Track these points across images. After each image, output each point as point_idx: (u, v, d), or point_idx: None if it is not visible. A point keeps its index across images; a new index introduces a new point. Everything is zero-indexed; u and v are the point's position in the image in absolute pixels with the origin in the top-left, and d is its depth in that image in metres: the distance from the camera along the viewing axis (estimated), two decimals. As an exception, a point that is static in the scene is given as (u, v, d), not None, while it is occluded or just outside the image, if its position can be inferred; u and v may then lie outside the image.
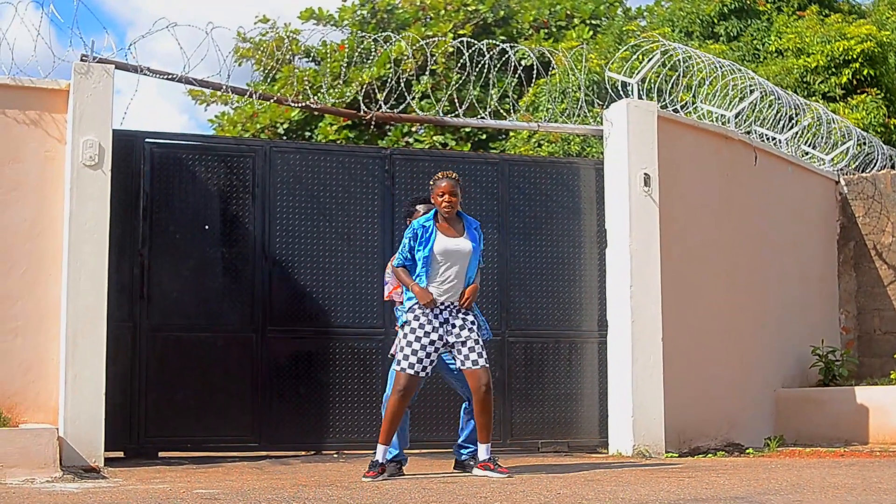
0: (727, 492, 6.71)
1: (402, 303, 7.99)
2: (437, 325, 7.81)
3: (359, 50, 11.78)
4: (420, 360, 7.76)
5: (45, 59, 9.03)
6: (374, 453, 7.88)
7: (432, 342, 7.79)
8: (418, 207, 8.34)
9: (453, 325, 7.83)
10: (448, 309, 7.84)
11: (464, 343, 7.80)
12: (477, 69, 10.73)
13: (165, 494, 6.74)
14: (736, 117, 11.81)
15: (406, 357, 7.78)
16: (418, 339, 7.78)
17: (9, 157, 9.01)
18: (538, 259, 10.61)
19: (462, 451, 8.32)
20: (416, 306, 7.82)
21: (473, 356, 7.77)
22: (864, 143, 14.05)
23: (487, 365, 7.82)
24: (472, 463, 8.12)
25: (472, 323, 7.87)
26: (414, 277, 7.86)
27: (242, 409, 9.75)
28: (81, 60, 9.02)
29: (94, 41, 9.07)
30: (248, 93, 10.37)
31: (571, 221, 10.75)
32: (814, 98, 16.37)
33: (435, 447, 10.15)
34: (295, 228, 9.98)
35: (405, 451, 8.26)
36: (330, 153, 10.53)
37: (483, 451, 7.91)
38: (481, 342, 7.85)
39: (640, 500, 6.25)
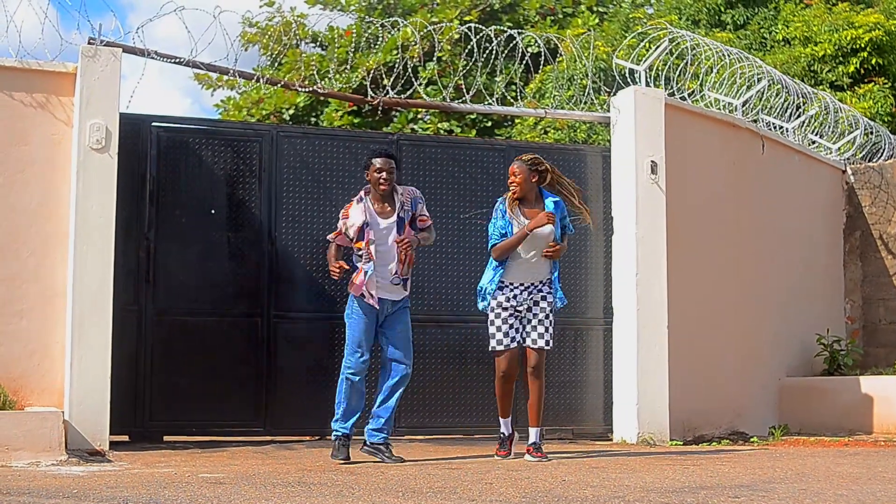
0: (731, 480, 6.71)
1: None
2: (514, 303, 8.20)
3: (365, 35, 11.75)
4: (506, 334, 8.16)
5: (52, 42, 9.07)
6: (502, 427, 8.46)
7: (511, 314, 8.19)
8: (374, 161, 8.14)
9: (531, 302, 8.22)
10: (528, 288, 8.23)
11: (530, 321, 8.21)
12: (484, 56, 10.70)
13: (170, 478, 6.75)
14: (743, 105, 11.78)
15: (493, 336, 8.20)
16: (498, 315, 8.18)
17: (16, 140, 9.00)
18: (544, 246, 10.58)
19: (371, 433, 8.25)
20: (497, 292, 8.22)
21: (534, 335, 8.18)
22: (872, 133, 14.01)
23: (546, 347, 8.20)
24: (383, 448, 8.10)
25: (548, 306, 8.24)
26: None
27: (247, 394, 9.76)
28: (89, 44, 9.00)
29: (102, 24, 9.08)
30: (255, 77, 10.34)
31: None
32: (821, 87, 16.32)
33: (436, 433, 10.17)
34: (301, 213, 9.98)
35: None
36: (336, 138, 10.51)
37: (532, 435, 8.28)
38: (549, 323, 8.22)
39: (644, 488, 6.25)
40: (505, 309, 8.19)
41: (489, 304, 8.24)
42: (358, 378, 8.08)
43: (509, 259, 8.22)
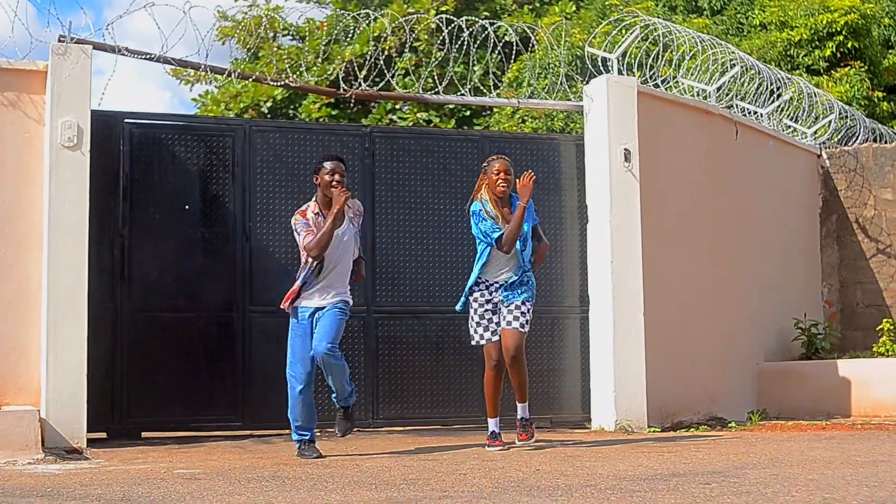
0: (705, 466, 6.74)
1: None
2: (489, 297, 8.31)
3: (338, 27, 11.73)
4: (486, 328, 8.27)
5: (22, 39, 9.00)
6: (489, 426, 8.34)
7: (487, 310, 8.29)
8: (325, 164, 7.97)
9: (506, 292, 8.29)
10: (504, 286, 8.31)
11: (507, 306, 8.25)
12: (457, 46, 10.70)
13: (147, 475, 6.76)
14: (717, 92, 11.81)
15: (476, 331, 8.31)
16: (475, 311, 8.30)
17: (-13, 139, 8.99)
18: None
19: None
20: (474, 287, 8.34)
21: (510, 318, 8.22)
22: (847, 117, 14.06)
23: (523, 330, 8.23)
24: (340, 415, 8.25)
25: (523, 293, 8.30)
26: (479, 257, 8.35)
27: (224, 389, 9.77)
28: (59, 41, 8.97)
29: (72, 21, 9.04)
30: (226, 72, 10.31)
31: (552, 197, 10.75)
32: (798, 71, 16.36)
33: (414, 424, 10.20)
34: (275, 208, 9.97)
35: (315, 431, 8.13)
36: (310, 132, 10.51)
37: (519, 410, 8.45)
38: (526, 309, 8.28)
39: (617, 476, 6.28)
40: (481, 305, 8.29)
41: (467, 302, 8.40)
42: (301, 386, 7.89)
43: (490, 257, 8.27)
